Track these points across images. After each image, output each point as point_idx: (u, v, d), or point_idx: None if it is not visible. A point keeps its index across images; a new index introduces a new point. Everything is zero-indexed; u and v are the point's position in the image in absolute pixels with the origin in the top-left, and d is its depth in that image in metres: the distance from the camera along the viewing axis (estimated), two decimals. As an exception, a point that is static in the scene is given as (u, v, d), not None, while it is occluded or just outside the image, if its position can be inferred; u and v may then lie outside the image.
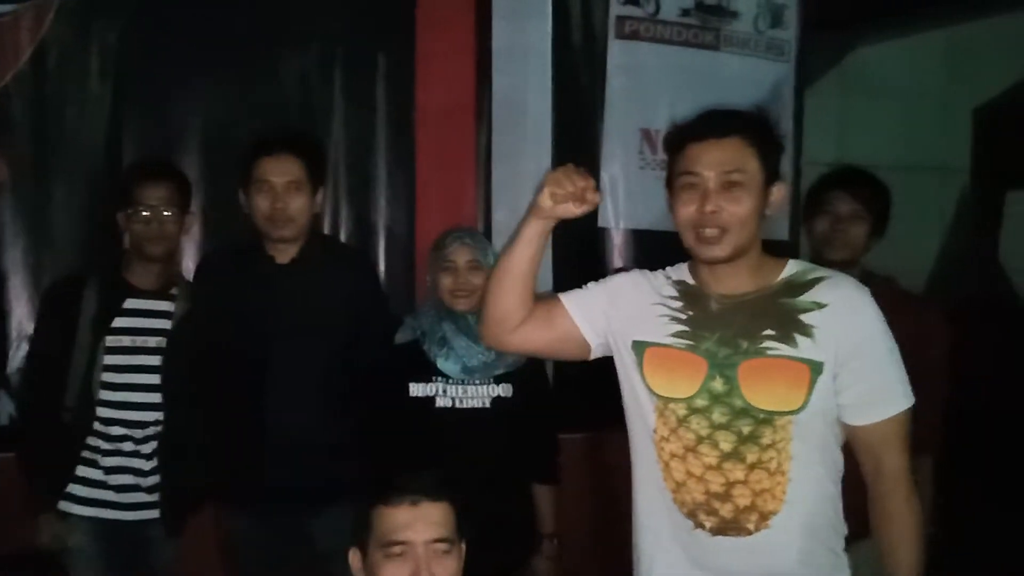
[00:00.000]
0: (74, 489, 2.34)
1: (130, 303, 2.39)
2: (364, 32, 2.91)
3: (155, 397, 2.38)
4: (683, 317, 1.64)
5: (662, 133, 2.99)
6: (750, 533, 1.58)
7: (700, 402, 1.59)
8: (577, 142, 3.06)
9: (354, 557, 1.63)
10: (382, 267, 2.93)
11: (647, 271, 1.75)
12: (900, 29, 5.54)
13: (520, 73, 3.01)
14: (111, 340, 2.35)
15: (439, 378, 2.33)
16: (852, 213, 2.28)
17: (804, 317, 1.57)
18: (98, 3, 2.70)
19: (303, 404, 2.33)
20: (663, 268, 1.74)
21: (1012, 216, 5.99)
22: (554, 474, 2.45)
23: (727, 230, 1.57)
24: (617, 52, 3.11)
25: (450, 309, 2.36)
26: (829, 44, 5.01)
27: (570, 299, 1.76)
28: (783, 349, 1.56)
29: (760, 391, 1.56)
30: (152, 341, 2.38)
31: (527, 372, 2.37)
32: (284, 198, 2.32)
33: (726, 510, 1.58)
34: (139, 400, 2.37)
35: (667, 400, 1.63)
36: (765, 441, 1.56)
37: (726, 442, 1.58)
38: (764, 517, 1.58)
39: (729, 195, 1.57)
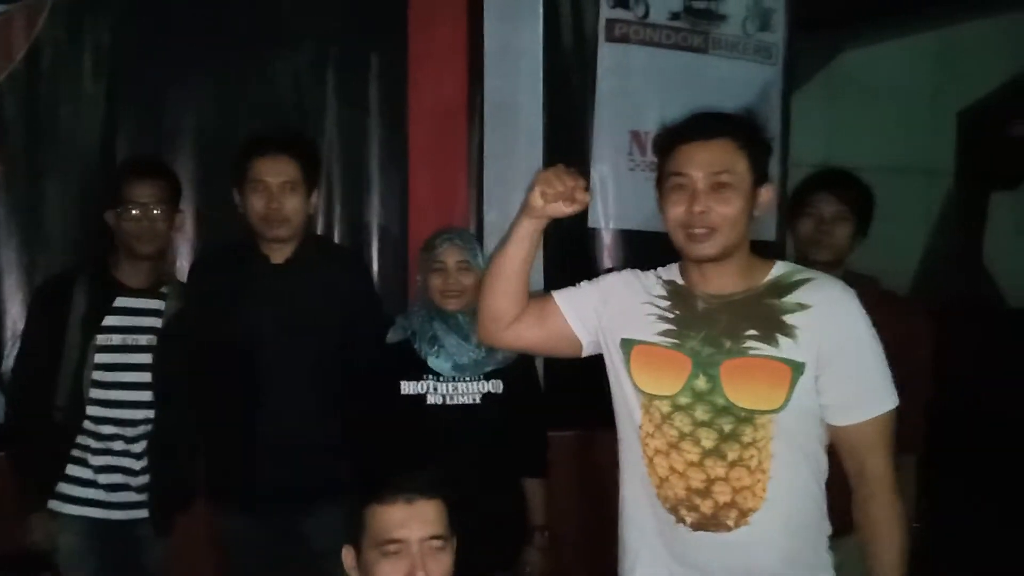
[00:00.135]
0: (64, 488, 2.33)
1: (120, 301, 2.38)
2: (357, 33, 2.92)
3: (146, 396, 2.37)
4: (670, 316, 1.66)
5: (651, 135, 3.02)
6: (730, 530, 1.60)
7: (683, 399, 1.61)
8: (568, 143, 3.08)
9: (348, 555, 1.64)
10: (375, 267, 2.94)
11: (639, 271, 1.77)
12: (886, 33, 5.58)
13: (512, 75, 3.02)
14: (101, 338, 2.34)
15: (430, 376, 2.35)
16: (836, 214, 2.29)
17: (787, 318, 1.58)
18: (91, 3, 2.70)
19: (296, 404, 2.33)
20: (655, 268, 1.76)
21: (996, 218, 6.05)
22: (543, 468, 2.47)
23: (716, 230, 1.59)
24: (607, 55, 3.13)
25: (440, 309, 2.38)
26: (816, 48, 5.06)
27: (563, 297, 1.78)
28: (765, 349, 1.58)
29: (741, 390, 1.58)
30: (143, 339, 2.38)
31: (517, 369, 2.40)
32: (279, 198, 2.32)
33: (706, 506, 1.60)
34: (129, 399, 2.36)
35: (652, 397, 1.65)
36: (746, 439, 1.58)
37: (708, 439, 1.59)
38: (744, 514, 1.59)
39: (718, 196, 1.58)
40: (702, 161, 1.59)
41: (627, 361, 1.68)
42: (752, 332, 1.59)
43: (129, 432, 2.36)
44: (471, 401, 2.36)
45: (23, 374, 2.43)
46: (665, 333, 1.65)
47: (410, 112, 2.96)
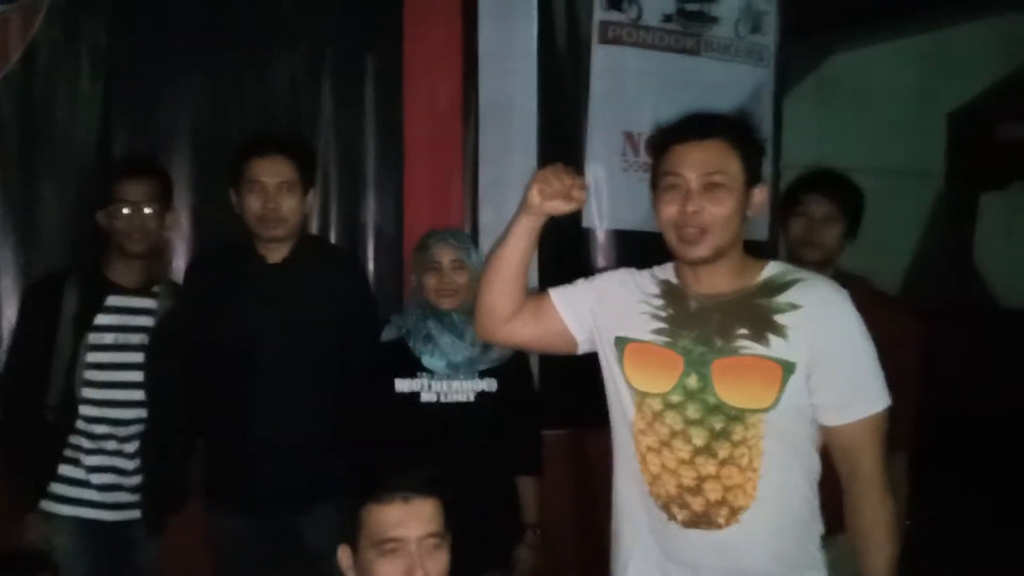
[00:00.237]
0: (56, 488, 2.31)
1: (112, 300, 2.36)
2: (352, 34, 2.93)
3: (138, 395, 2.36)
4: (663, 315, 1.67)
5: (644, 136, 3.05)
6: (720, 528, 1.60)
7: (675, 397, 1.62)
8: (562, 144, 3.09)
9: (344, 555, 1.64)
10: (371, 267, 2.94)
11: (635, 270, 1.78)
12: (877, 36, 5.61)
13: (506, 76, 3.03)
14: (93, 338, 2.32)
15: (424, 374, 2.36)
16: (827, 215, 2.30)
17: (778, 318, 1.59)
18: (88, 4, 2.70)
19: (293, 403, 2.33)
20: (650, 268, 1.77)
21: (986, 218, 6.09)
22: (537, 466, 2.48)
23: (708, 230, 1.59)
24: (600, 56, 3.14)
25: (435, 307, 2.39)
26: (808, 50, 5.09)
27: (559, 294, 1.80)
28: (756, 348, 1.58)
29: (732, 388, 1.59)
30: (135, 339, 2.37)
31: (511, 367, 2.41)
32: (276, 198, 2.33)
33: (697, 504, 1.61)
34: (122, 398, 2.35)
35: (644, 394, 1.66)
36: (736, 437, 1.58)
37: (699, 437, 1.60)
38: (734, 512, 1.59)
39: (711, 196, 1.59)
40: (695, 161, 1.60)
41: (620, 359, 1.70)
42: (743, 331, 1.60)
43: (122, 432, 2.35)
44: (465, 399, 2.37)
45: (15, 373, 2.41)
46: (658, 332, 1.66)
47: (405, 113, 2.98)
